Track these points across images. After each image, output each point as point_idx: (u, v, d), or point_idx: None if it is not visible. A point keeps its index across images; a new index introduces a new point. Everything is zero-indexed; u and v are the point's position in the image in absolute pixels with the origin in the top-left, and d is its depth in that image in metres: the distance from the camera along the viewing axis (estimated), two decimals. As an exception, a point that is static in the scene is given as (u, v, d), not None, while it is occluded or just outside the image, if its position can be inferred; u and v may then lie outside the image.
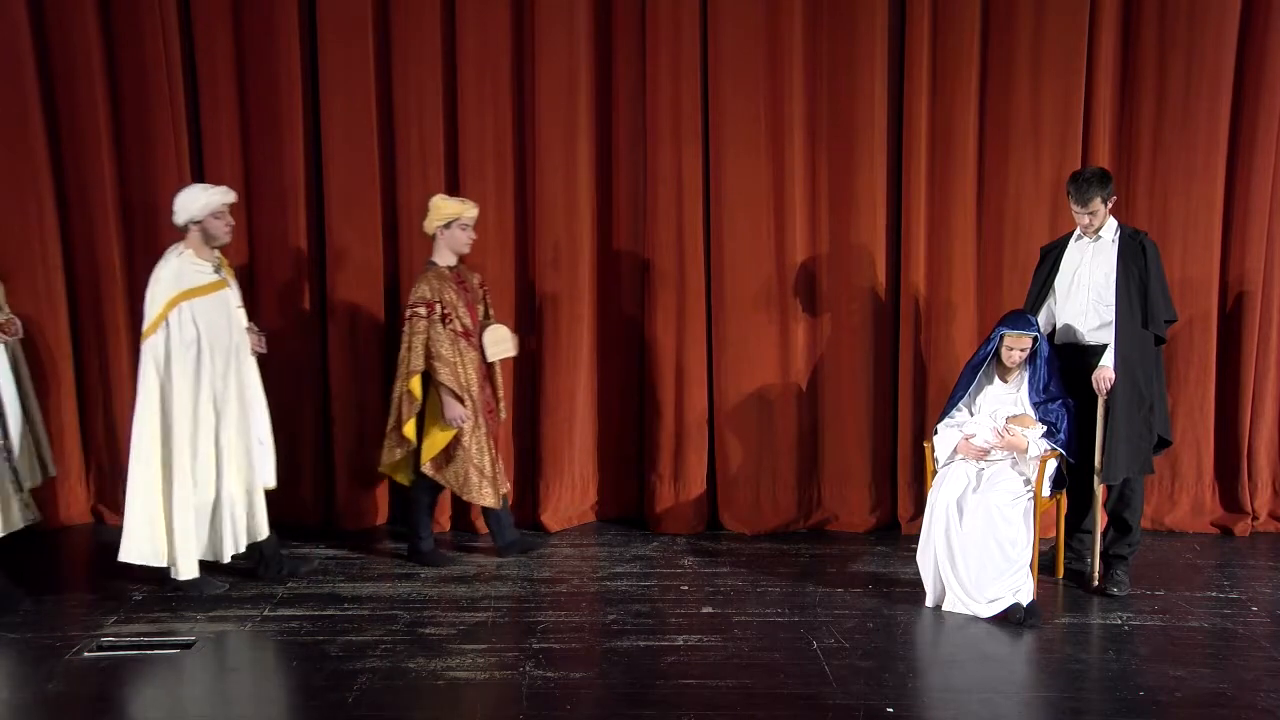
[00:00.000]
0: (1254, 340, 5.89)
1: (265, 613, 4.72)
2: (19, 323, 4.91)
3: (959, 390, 5.04)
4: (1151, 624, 4.66)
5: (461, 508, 5.97)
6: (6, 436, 4.89)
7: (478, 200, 5.76)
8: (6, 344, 4.91)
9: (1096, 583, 5.05)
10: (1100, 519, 5.17)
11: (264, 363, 5.15)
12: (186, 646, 4.33)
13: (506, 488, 5.60)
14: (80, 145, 5.74)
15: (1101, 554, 5.11)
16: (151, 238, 5.79)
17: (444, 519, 5.94)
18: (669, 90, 5.77)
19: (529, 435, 6.05)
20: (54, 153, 5.76)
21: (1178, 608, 4.85)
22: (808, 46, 5.79)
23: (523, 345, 5.72)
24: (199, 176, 5.79)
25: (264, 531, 5.07)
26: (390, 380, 5.90)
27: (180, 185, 5.70)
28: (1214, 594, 5.05)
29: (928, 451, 5.08)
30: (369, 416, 5.92)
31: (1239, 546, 5.78)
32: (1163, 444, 5.06)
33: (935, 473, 4.97)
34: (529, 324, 5.95)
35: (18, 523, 4.99)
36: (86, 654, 4.26)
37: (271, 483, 5.12)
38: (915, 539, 4.99)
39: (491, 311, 5.52)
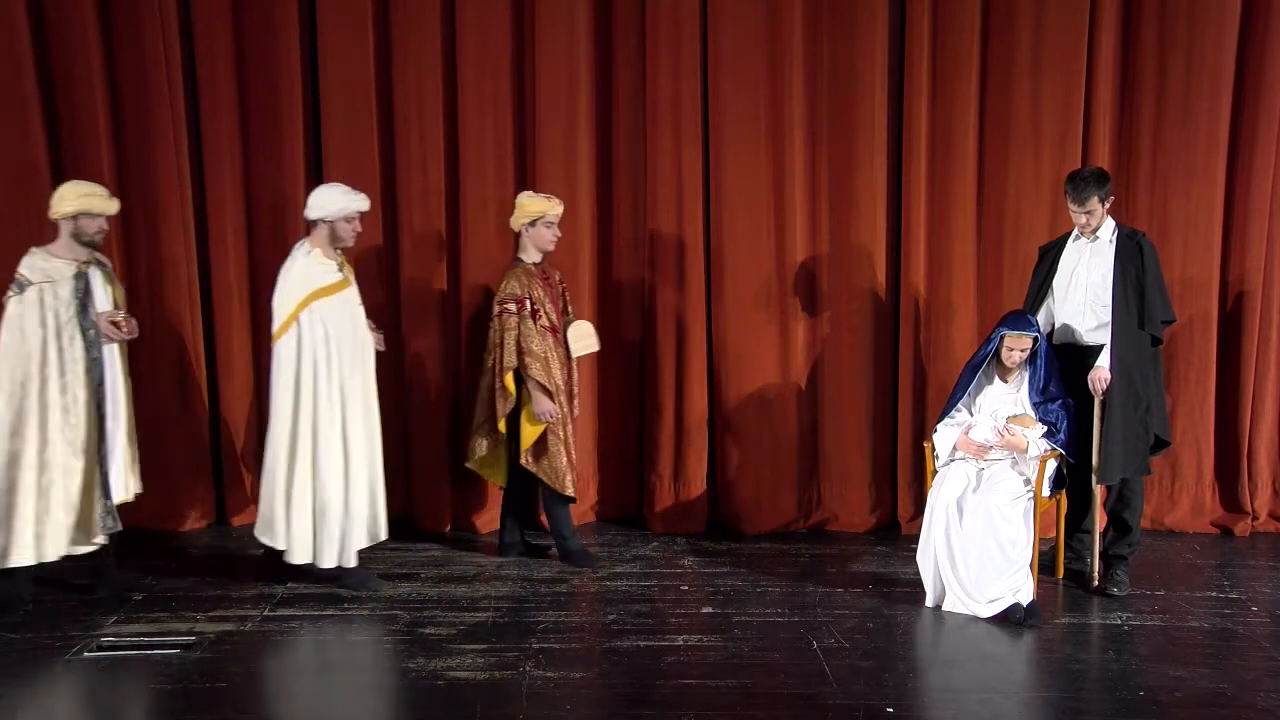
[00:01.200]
0: (1254, 340, 5.90)
1: (265, 613, 4.72)
2: (135, 323, 4.83)
3: (959, 390, 5.03)
4: (1151, 624, 4.66)
5: (463, 509, 5.97)
6: (103, 441, 4.71)
7: (477, 200, 5.78)
8: (121, 344, 4.84)
9: (1096, 583, 5.05)
10: (1100, 519, 5.17)
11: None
12: (186, 647, 4.32)
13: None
14: (80, 145, 5.73)
15: (1101, 554, 5.11)
16: (151, 238, 5.78)
17: (444, 519, 5.94)
18: (669, 90, 5.78)
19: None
20: (54, 153, 5.75)
21: (1178, 608, 4.85)
22: (808, 46, 5.79)
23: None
24: (199, 176, 5.80)
25: (384, 533, 5.05)
26: (390, 379, 5.91)
27: (180, 185, 5.74)
28: (1214, 594, 5.05)
29: (928, 451, 5.08)
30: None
31: (1239, 546, 5.78)
32: (1160, 445, 5.05)
33: (935, 473, 4.97)
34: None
35: (77, 544, 4.75)
36: (86, 654, 4.25)
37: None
38: (915, 539, 4.98)
39: (570, 308, 5.53)
